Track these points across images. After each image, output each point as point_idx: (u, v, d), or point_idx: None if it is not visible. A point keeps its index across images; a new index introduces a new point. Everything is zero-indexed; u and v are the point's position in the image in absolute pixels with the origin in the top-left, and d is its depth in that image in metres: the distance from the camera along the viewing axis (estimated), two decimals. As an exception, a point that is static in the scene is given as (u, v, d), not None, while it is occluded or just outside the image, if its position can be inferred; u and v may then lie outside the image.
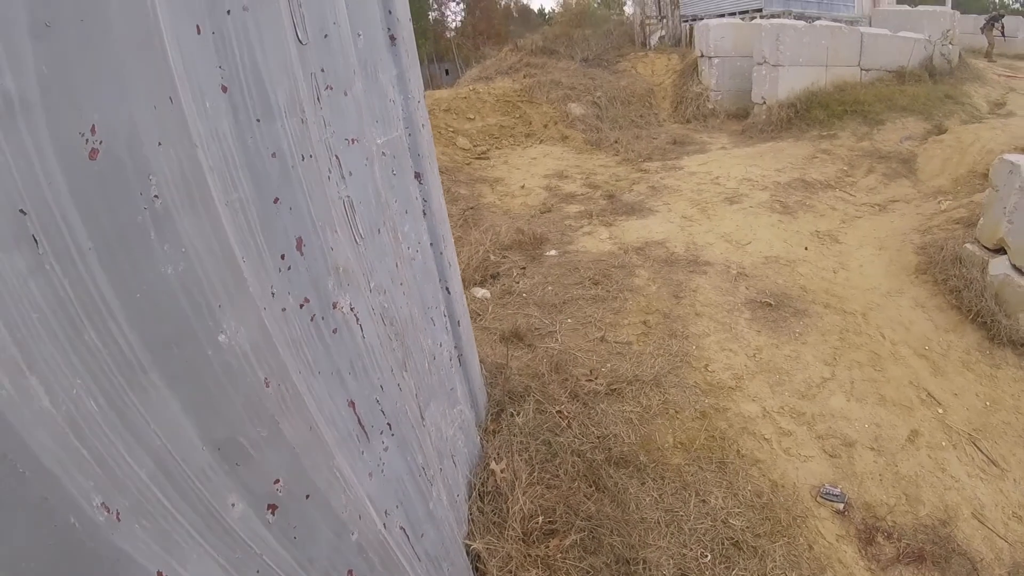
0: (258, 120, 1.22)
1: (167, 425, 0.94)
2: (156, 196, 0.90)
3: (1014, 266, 5.13)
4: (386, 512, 1.88)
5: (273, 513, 1.21)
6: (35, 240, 0.74)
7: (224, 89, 1.13)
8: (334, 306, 1.52)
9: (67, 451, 0.76)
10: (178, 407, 0.96)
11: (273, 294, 1.28)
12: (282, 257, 1.32)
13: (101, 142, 0.81)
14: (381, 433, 1.85)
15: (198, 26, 1.07)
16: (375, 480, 1.81)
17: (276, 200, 1.29)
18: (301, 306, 1.40)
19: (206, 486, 1.02)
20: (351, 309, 1.60)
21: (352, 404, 1.66)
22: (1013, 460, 4.11)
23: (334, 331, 1.54)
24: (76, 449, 0.78)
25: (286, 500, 1.24)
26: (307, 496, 1.31)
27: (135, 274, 0.88)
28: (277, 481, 1.21)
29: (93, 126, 0.79)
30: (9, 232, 0.72)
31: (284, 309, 1.33)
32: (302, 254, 1.39)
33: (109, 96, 0.82)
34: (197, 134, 1.00)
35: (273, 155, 1.27)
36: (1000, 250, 5.32)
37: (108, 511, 0.81)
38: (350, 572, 1.54)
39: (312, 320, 1.45)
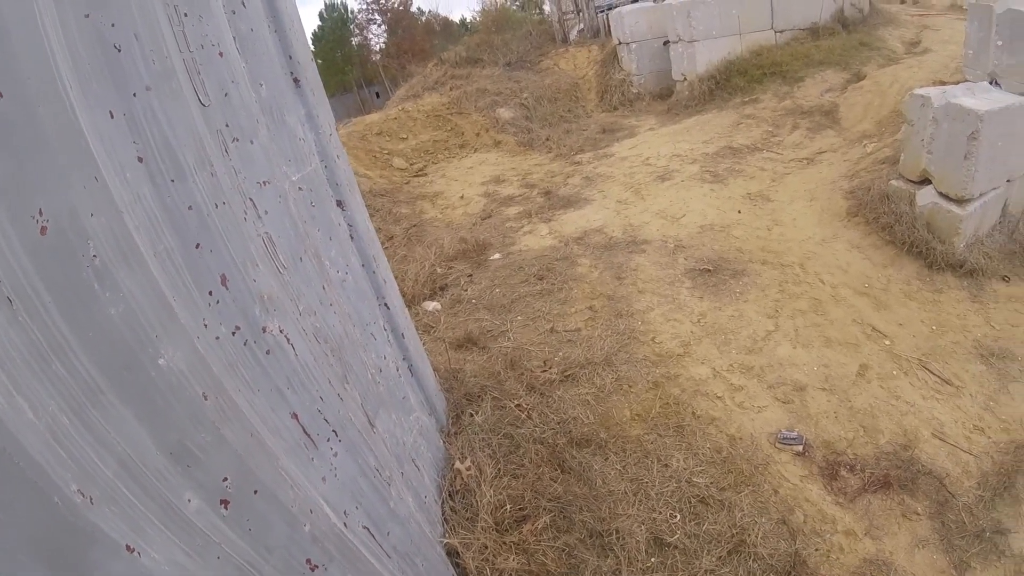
0: (172, 180, 1.46)
1: (125, 433, 1.18)
2: (95, 256, 1.14)
3: (940, 193, 5.36)
4: (345, 512, 2.09)
5: (226, 507, 1.44)
6: (9, 300, 0.98)
7: (140, 159, 1.37)
8: (264, 330, 1.75)
9: (49, 451, 1.00)
10: (133, 419, 1.20)
11: (206, 325, 1.51)
12: (210, 293, 1.56)
13: (48, 220, 1.06)
14: (328, 440, 2.07)
15: (111, 111, 1.31)
16: (329, 483, 2.03)
17: (198, 246, 1.53)
18: (233, 333, 1.63)
19: (163, 483, 1.26)
20: (281, 331, 1.84)
21: (295, 416, 1.88)
22: (967, 376, 4.28)
23: (267, 352, 1.77)
24: (55, 450, 1.02)
25: (236, 495, 1.47)
26: (255, 492, 1.54)
27: (87, 317, 1.13)
28: (226, 479, 1.44)
29: (40, 209, 1.04)
30: None
31: (218, 337, 1.56)
32: (227, 288, 1.62)
33: (51, 183, 1.07)
34: (121, 201, 1.24)
35: (190, 208, 1.51)
36: (925, 181, 5.55)
37: (83, 496, 1.05)
38: (308, 561, 1.76)
39: (245, 344, 1.68)
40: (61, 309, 1.08)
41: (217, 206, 1.60)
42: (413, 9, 42.36)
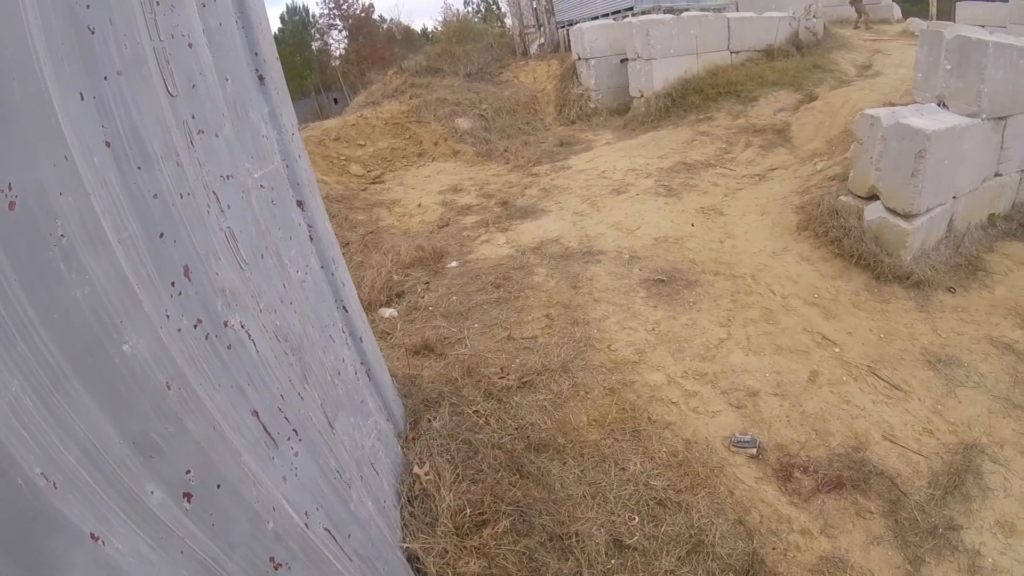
0: (139, 168, 1.43)
1: (88, 421, 1.15)
2: (62, 235, 1.12)
3: (888, 208, 5.60)
4: (307, 513, 2.06)
5: (189, 501, 1.41)
6: (-28, 273, 0.95)
7: (108, 144, 1.34)
8: (225, 324, 1.73)
9: (13, 431, 0.97)
10: (96, 406, 1.17)
11: (168, 316, 1.48)
12: (172, 284, 1.53)
13: (17, 196, 1.03)
14: (288, 439, 2.04)
15: (81, 93, 1.28)
16: (290, 483, 2.00)
17: (161, 235, 1.50)
18: (195, 326, 1.60)
19: (126, 474, 1.23)
20: (242, 327, 1.81)
21: (256, 413, 1.85)
22: (915, 382, 4.45)
23: (228, 347, 1.74)
24: (18, 431, 0.99)
25: (199, 489, 1.44)
26: (218, 486, 1.51)
27: (51, 297, 1.10)
28: (189, 472, 1.41)
29: (9, 184, 1.01)
30: None
31: (179, 329, 1.53)
32: (190, 280, 1.59)
33: (20, 159, 1.05)
34: (89, 184, 1.22)
35: (155, 196, 1.48)
36: (873, 197, 5.78)
37: (47, 480, 1.02)
38: (272, 559, 1.73)
39: (207, 338, 1.65)
40: (25, 287, 1.05)
41: (182, 196, 1.57)
42: (375, 16, 42.37)
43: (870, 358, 4.69)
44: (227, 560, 1.51)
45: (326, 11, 41.52)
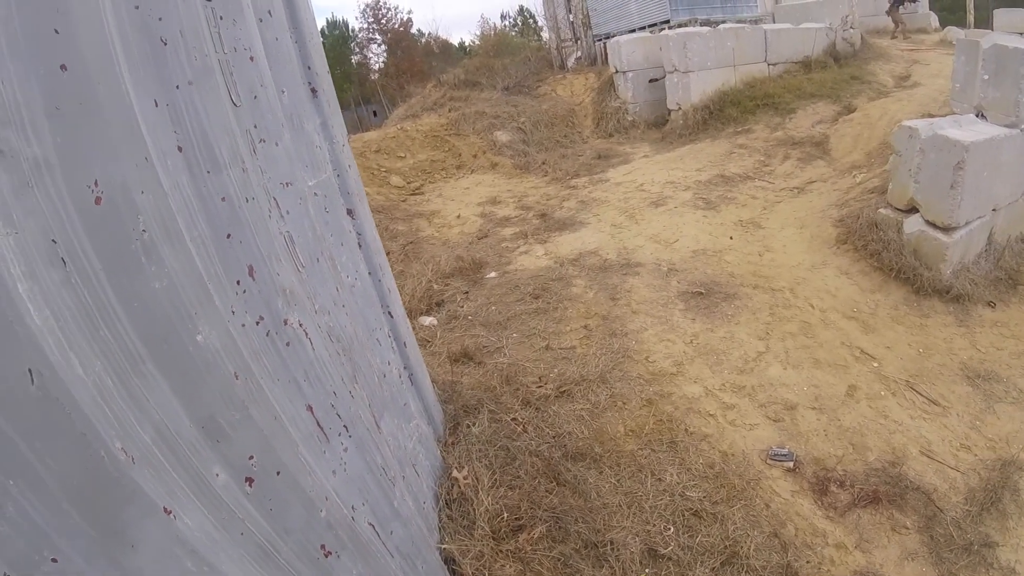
0: (208, 172, 1.53)
1: (162, 403, 1.24)
2: (144, 230, 1.21)
3: (927, 221, 5.51)
4: (353, 507, 2.13)
5: (250, 485, 1.49)
6: (63, 261, 1.05)
7: (180, 149, 1.44)
8: (285, 322, 1.82)
9: (96, 406, 1.07)
10: (169, 390, 1.26)
11: (233, 312, 1.57)
12: (238, 282, 1.62)
13: (103, 192, 1.13)
14: (339, 435, 2.12)
15: (155, 100, 1.38)
16: (339, 477, 2.08)
17: (228, 236, 1.59)
18: (257, 323, 1.69)
19: (195, 456, 1.31)
20: (300, 325, 1.90)
21: (310, 408, 1.94)
22: (953, 397, 4.38)
23: (287, 344, 1.83)
24: (101, 407, 1.08)
25: (260, 474, 1.52)
26: (278, 473, 1.59)
27: (132, 287, 1.19)
28: (251, 457, 1.50)
29: (96, 180, 1.12)
30: (46, 254, 1.03)
31: (243, 325, 1.62)
32: (254, 279, 1.68)
33: (105, 158, 1.15)
34: (166, 184, 1.31)
35: (223, 199, 1.58)
36: (912, 209, 5.71)
37: (126, 454, 1.11)
38: (323, 546, 1.81)
39: (268, 335, 1.74)
40: (109, 277, 1.15)
41: (247, 200, 1.67)
42: (413, 30, 42.90)
43: (908, 372, 4.63)
44: (282, 544, 1.59)
45: (365, 25, 42.19)
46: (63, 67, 1.09)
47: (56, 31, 1.09)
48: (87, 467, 1.05)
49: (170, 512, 1.19)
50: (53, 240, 1.04)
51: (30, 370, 0.96)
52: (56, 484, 1.00)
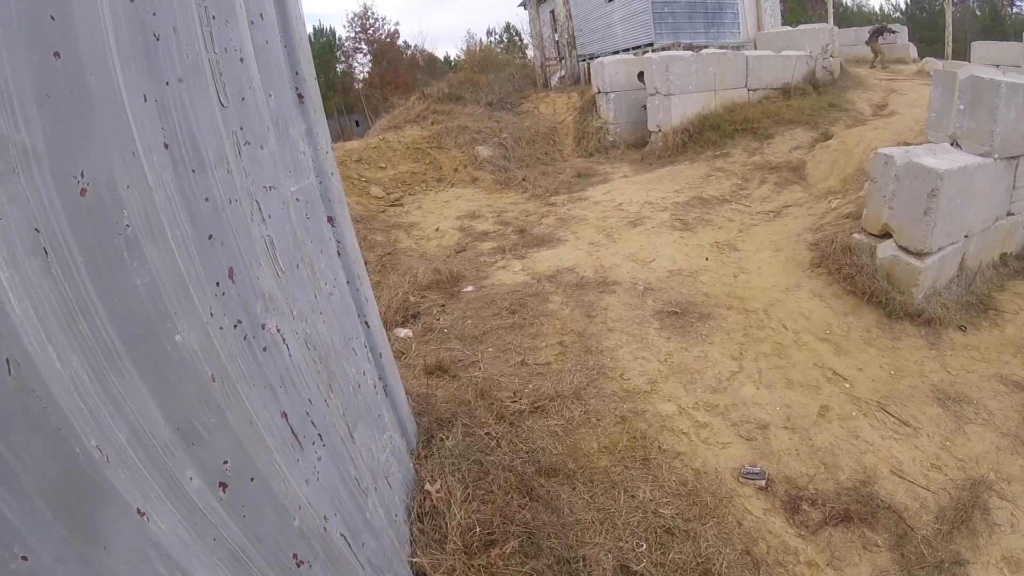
0: (193, 171, 1.51)
1: (138, 403, 1.21)
2: (128, 225, 1.19)
3: (901, 246, 5.62)
4: (325, 517, 2.10)
5: (224, 490, 1.47)
6: (45, 251, 1.03)
7: (166, 146, 1.42)
8: (263, 327, 1.79)
9: (72, 401, 1.04)
10: (145, 389, 1.23)
11: (212, 313, 1.54)
12: (217, 284, 1.60)
13: (89, 183, 1.11)
14: (313, 443, 2.09)
15: (144, 95, 1.37)
16: (312, 486, 2.04)
17: (210, 236, 1.57)
18: (235, 326, 1.67)
19: (169, 458, 1.29)
20: (278, 331, 1.88)
21: (285, 415, 1.91)
22: (924, 418, 4.45)
23: (264, 349, 1.80)
24: (77, 403, 1.05)
25: (234, 480, 1.50)
26: (252, 479, 1.57)
27: (113, 282, 1.17)
28: (226, 462, 1.47)
29: (82, 171, 1.10)
30: (29, 243, 1.01)
31: (221, 328, 1.59)
32: (233, 282, 1.66)
33: (93, 149, 1.13)
34: (151, 181, 1.29)
35: (206, 199, 1.56)
36: (886, 235, 5.81)
37: (101, 452, 1.08)
38: (295, 556, 1.78)
39: (245, 339, 1.71)
40: (90, 270, 1.12)
41: (231, 202, 1.65)
42: (399, 42, 43.07)
43: (880, 394, 4.70)
44: (254, 552, 1.56)
45: (352, 35, 42.40)
46: (56, 54, 1.08)
47: (52, 17, 1.07)
48: (61, 464, 1.02)
49: (143, 514, 1.16)
50: (36, 229, 1.01)
51: (7, 360, 0.93)
52: (29, 480, 0.97)
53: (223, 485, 1.46)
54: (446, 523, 3.15)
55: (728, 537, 3.38)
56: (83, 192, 1.10)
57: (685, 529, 3.36)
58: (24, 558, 0.95)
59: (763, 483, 3.81)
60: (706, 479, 3.80)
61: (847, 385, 4.79)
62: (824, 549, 3.42)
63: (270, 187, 2.03)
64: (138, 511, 1.15)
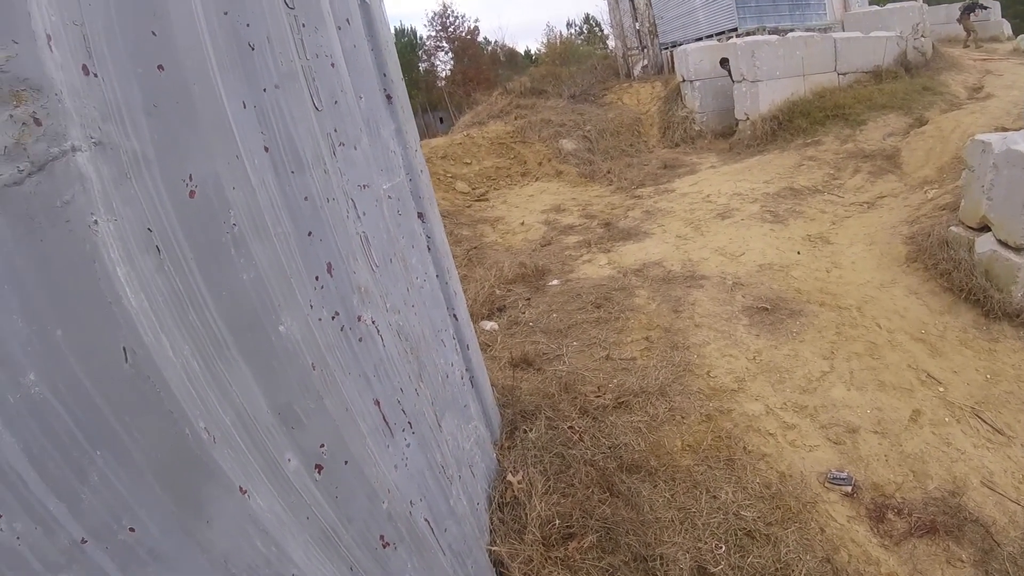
0: (292, 172, 1.61)
1: (243, 388, 1.31)
2: (234, 224, 1.29)
3: (999, 241, 5.27)
4: (411, 502, 2.19)
5: (319, 472, 1.56)
6: (158, 249, 1.13)
7: (266, 149, 1.52)
8: (358, 319, 1.89)
9: (183, 386, 1.14)
10: (250, 376, 1.33)
11: (311, 306, 1.64)
12: (316, 278, 1.69)
13: (197, 186, 1.21)
14: (403, 431, 2.18)
15: (244, 102, 1.47)
16: (400, 472, 2.13)
17: (310, 233, 1.67)
18: (333, 318, 1.76)
19: (270, 440, 1.38)
20: (372, 322, 1.97)
21: (377, 403, 2.00)
22: (1019, 427, 4.19)
23: (359, 339, 1.90)
24: (187, 388, 1.15)
25: (329, 462, 1.59)
26: (345, 462, 1.66)
27: (222, 277, 1.27)
28: (323, 446, 1.56)
29: (191, 175, 1.20)
30: (143, 242, 1.11)
31: (320, 319, 1.69)
32: (331, 276, 1.76)
33: (199, 154, 1.23)
34: (254, 182, 1.39)
35: (305, 198, 1.65)
36: (984, 228, 5.47)
37: (208, 434, 1.18)
38: (382, 537, 1.86)
39: (342, 330, 1.81)
40: (200, 266, 1.23)
41: (328, 200, 1.75)
42: (480, 38, 43.39)
43: (974, 399, 4.45)
44: (344, 532, 1.65)
45: (433, 33, 42.97)
46: (160, 67, 1.18)
47: (153, 33, 1.17)
48: (171, 443, 1.12)
49: (245, 492, 1.25)
50: (149, 229, 1.12)
51: (124, 348, 1.03)
52: (141, 457, 1.07)
53: (319, 467, 1.55)
54: (526, 514, 3.20)
55: (809, 544, 3.29)
56: (192, 194, 1.20)
57: (766, 533, 3.30)
58: (131, 529, 1.05)
59: (849, 489, 3.68)
60: (791, 482, 3.70)
61: (941, 389, 4.56)
62: (907, 561, 3.29)
63: (364, 185, 2.12)
64: (240, 489, 1.24)
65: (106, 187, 1.06)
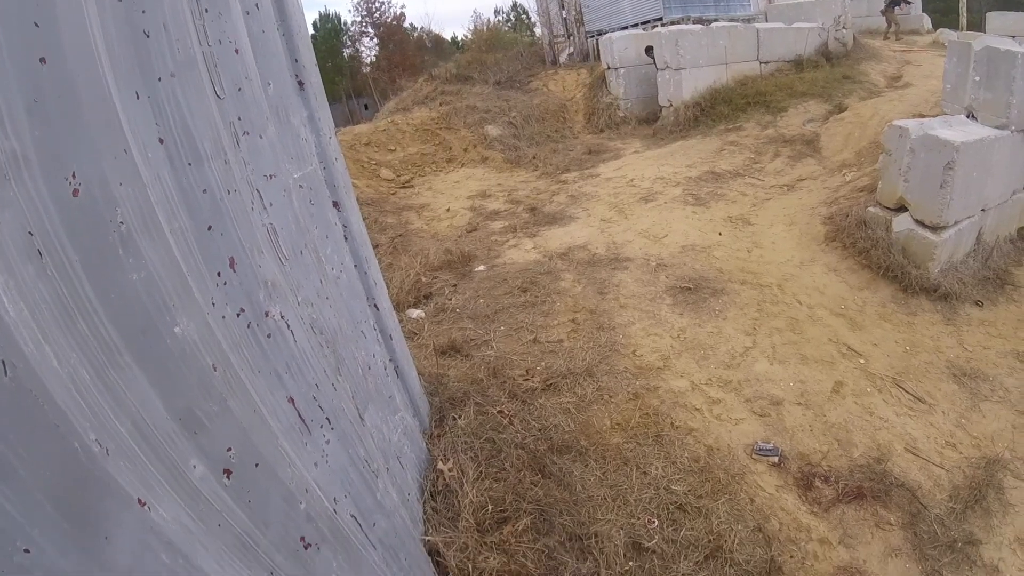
0: (189, 164, 1.53)
1: (139, 395, 1.24)
2: (121, 222, 1.22)
3: (916, 220, 5.57)
4: (335, 499, 2.14)
5: (228, 477, 1.50)
6: (40, 253, 1.05)
7: (161, 141, 1.44)
8: (266, 314, 1.82)
9: (71, 398, 1.07)
10: (146, 382, 1.26)
11: (214, 303, 1.57)
12: (218, 274, 1.62)
13: (81, 184, 1.13)
14: (321, 427, 2.13)
15: (136, 92, 1.38)
16: (320, 469, 2.08)
17: (209, 228, 1.60)
18: (238, 315, 1.70)
19: (172, 447, 1.32)
20: (282, 317, 1.90)
21: (291, 400, 1.94)
22: (939, 395, 4.44)
23: (268, 336, 1.83)
24: (76, 400, 1.08)
25: (238, 466, 1.53)
26: (256, 465, 1.60)
27: (110, 280, 1.20)
28: (230, 449, 1.50)
29: (73, 172, 1.12)
30: (23, 247, 1.03)
31: (224, 316, 1.62)
32: (235, 271, 1.69)
33: (84, 150, 1.15)
34: (145, 176, 1.31)
35: (204, 191, 1.58)
36: (901, 208, 5.77)
37: (100, 446, 1.11)
38: (303, 539, 1.82)
39: (248, 326, 1.74)
40: (86, 269, 1.15)
41: (229, 192, 1.67)
42: (405, 24, 42.70)
43: (895, 370, 4.68)
44: (261, 536, 1.59)
45: (358, 19, 42.01)
46: (42, 60, 1.09)
47: (36, 24, 1.09)
48: (60, 459, 1.05)
49: (145, 504, 1.19)
50: (29, 232, 1.04)
51: (3, 362, 0.96)
52: (29, 475, 1.00)
53: (227, 472, 1.49)
54: (459, 501, 3.20)
55: (740, 514, 3.40)
56: (75, 193, 1.12)
57: (697, 506, 3.39)
58: (27, 551, 0.99)
59: (776, 459, 3.82)
60: (719, 455, 3.81)
61: (862, 361, 4.77)
62: (837, 526, 3.44)
63: (271, 175, 2.05)
64: (139, 501, 1.18)
65: (-21, 192, 0.99)
